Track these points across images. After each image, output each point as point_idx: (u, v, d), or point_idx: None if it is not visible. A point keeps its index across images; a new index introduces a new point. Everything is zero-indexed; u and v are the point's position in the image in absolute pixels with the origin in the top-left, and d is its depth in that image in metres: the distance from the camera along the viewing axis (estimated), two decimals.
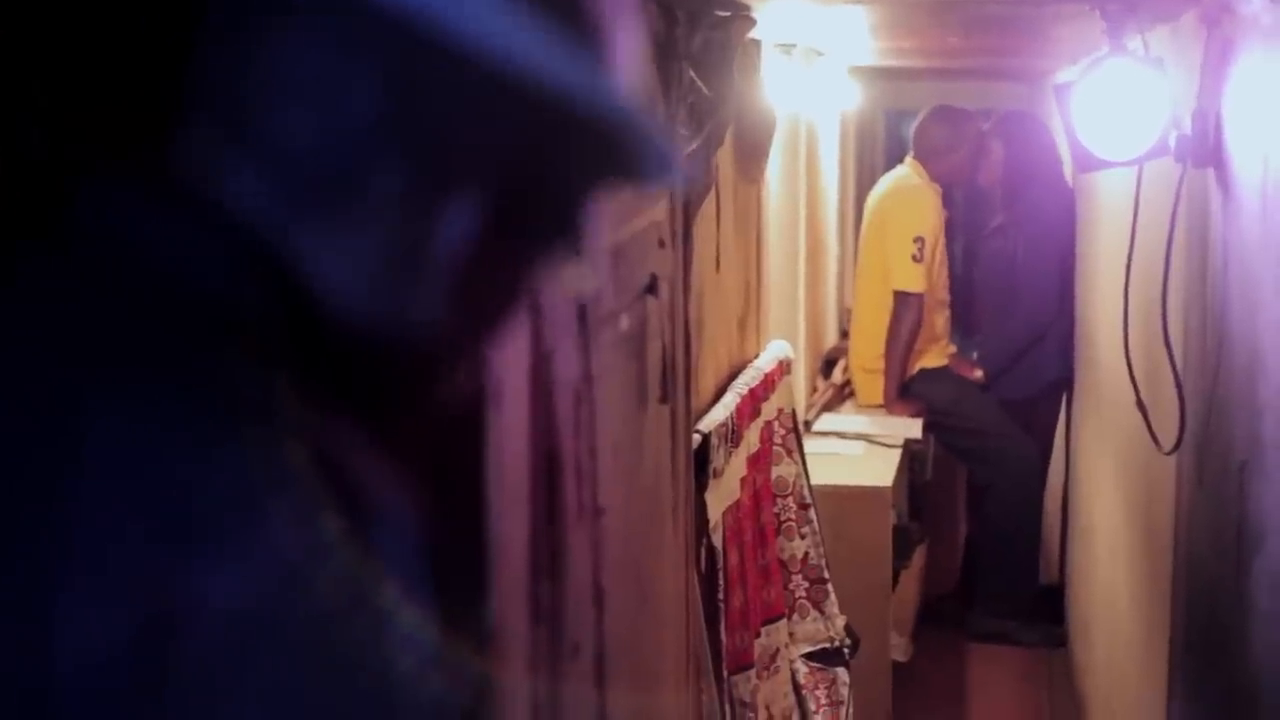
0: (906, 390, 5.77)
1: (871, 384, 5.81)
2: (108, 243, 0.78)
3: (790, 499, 4.00)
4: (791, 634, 3.92)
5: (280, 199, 0.79)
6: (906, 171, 5.95)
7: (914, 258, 5.70)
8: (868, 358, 5.84)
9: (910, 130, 6.08)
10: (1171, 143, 2.94)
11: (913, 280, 5.69)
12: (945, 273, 5.98)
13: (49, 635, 0.67)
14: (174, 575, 0.68)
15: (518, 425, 2.14)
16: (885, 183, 6.09)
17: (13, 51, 0.83)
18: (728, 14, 2.65)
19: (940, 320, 5.94)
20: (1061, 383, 6.03)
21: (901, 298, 5.69)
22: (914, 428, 5.50)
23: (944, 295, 5.99)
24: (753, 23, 2.98)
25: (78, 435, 0.70)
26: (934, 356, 5.89)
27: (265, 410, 0.75)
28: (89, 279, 0.77)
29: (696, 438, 3.24)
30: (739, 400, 3.48)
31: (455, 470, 1.90)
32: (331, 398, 0.79)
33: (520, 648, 2.08)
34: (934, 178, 5.86)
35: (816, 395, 5.96)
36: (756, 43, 3.41)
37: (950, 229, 6.24)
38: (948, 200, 6.08)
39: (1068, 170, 5.83)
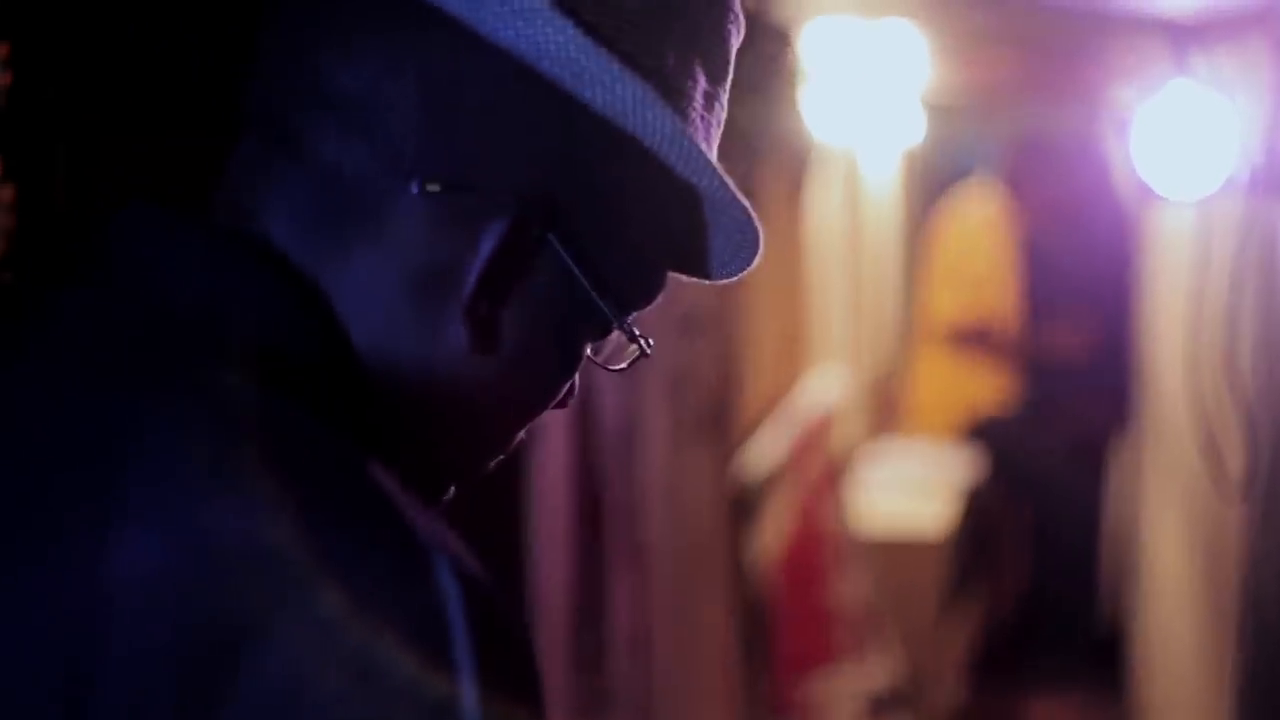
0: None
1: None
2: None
3: (840, 541, 3.93)
4: (845, 680, 3.86)
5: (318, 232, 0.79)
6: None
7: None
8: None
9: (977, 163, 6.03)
10: (1240, 174, 2.86)
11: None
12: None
13: None
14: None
15: (559, 466, 2.08)
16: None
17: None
18: (765, 35, 2.59)
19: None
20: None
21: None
22: (970, 464, 5.43)
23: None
24: (790, 44, 2.93)
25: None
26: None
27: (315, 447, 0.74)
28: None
29: (743, 476, 3.16)
30: (788, 438, 3.41)
31: (494, 513, 1.84)
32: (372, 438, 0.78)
33: (559, 698, 2.02)
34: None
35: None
36: (798, 66, 3.35)
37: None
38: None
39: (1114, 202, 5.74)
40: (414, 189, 0.78)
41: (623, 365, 0.88)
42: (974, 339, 5.66)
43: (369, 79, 0.77)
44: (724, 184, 0.81)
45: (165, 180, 0.89)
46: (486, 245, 0.78)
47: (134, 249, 0.79)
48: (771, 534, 3.31)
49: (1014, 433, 5.78)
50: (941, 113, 6.14)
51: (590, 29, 0.78)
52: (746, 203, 0.83)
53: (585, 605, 2.21)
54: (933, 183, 7.07)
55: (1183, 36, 2.86)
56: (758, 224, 0.84)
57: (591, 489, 2.21)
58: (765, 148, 2.72)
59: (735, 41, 0.86)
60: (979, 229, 5.79)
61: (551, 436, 1.99)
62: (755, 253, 0.86)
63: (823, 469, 3.90)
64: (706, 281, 0.89)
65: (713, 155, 0.83)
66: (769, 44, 2.58)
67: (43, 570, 0.70)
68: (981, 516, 5.63)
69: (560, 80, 0.78)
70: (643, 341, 0.85)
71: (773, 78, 2.69)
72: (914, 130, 5.84)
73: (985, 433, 5.74)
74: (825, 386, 4.12)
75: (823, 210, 4.52)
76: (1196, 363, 3.27)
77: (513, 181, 0.79)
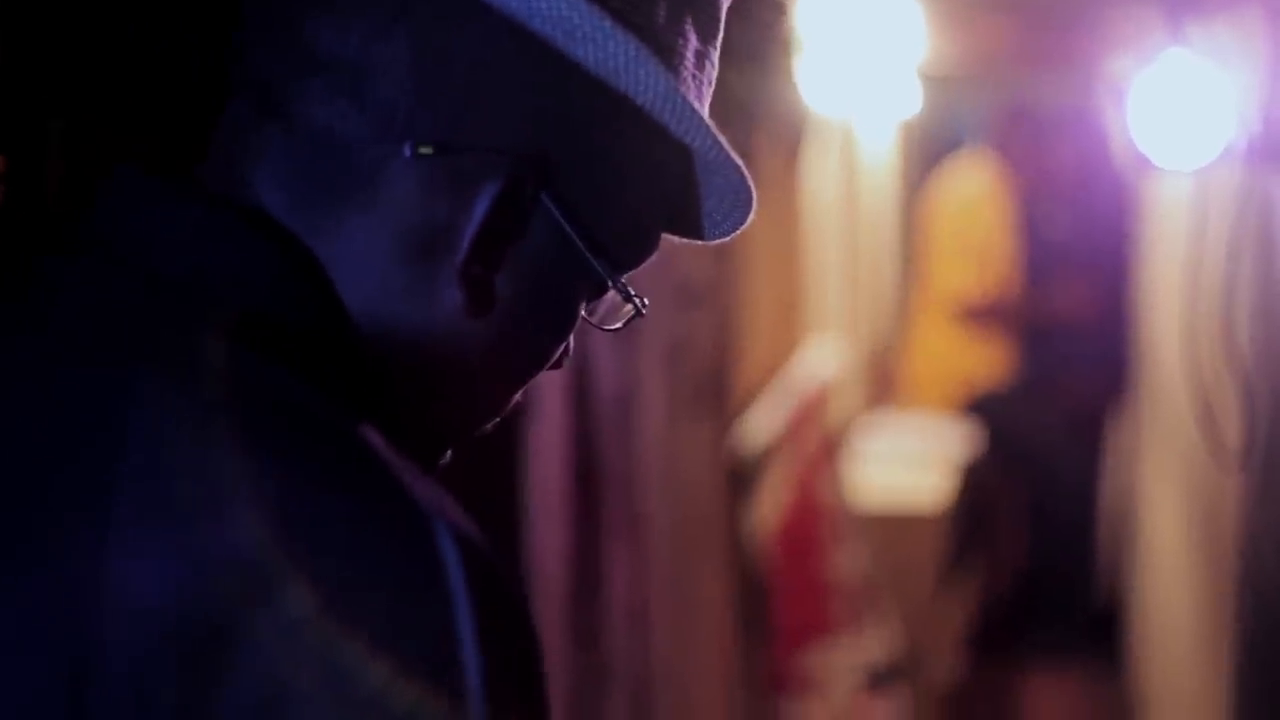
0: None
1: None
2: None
3: (837, 514, 3.92)
4: (842, 653, 3.86)
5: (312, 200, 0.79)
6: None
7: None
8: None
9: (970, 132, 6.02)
10: (1237, 143, 2.85)
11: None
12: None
13: None
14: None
15: (555, 437, 2.08)
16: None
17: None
18: (761, 4, 2.58)
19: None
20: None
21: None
22: (967, 437, 5.43)
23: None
24: (786, 13, 2.91)
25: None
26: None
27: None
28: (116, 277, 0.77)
29: (740, 449, 3.16)
30: (784, 410, 3.40)
31: (489, 484, 1.84)
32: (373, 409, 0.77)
33: (557, 672, 2.02)
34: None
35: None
36: (794, 35, 3.34)
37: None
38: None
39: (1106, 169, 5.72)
40: (406, 152, 0.77)
41: (618, 325, 0.88)
42: (974, 311, 5.65)
43: (358, 42, 0.77)
44: (717, 143, 0.81)
45: (156, 153, 0.88)
46: (480, 207, 0.78)
47: (126, 217, 0.78)
48: (769, 507, 3.31)
49: (1011, 406, 5.77)
50: (938, 83, 6.12)
51: None
52: (739, 162, 0.82)
53: (582, 578, 2.21)
54: (929, 153, 7.05)
55: (1179, 5, 2.85)
56: (750, 183, 0.84)
57: (588, 462, 2.20)
58: (761, 117, 2.71)
59: (726, 0, 0.85)
60: (975, 199, 5.78)
61: (547, 408, 1.98)
62: (748, 212, 0.85)
63: (820, 442, 3.89)
64: (699, 243, 0.89)
65: (704, 114, 0.82)
66: (765, 13, 2.57)
67: (42, 566, 0.69)
68: (979, 490, 5.63)
69: (552, 39, 0.77)
70: (637, 301, 0.85)
71: (769, 47, 2.68)
72: (911, 100, 5.82)
73: (983, 406, 5.73)
74: (822, 359, 4.12)
75: (819, 181, 4.51)
76: (1194, 333, 3.27)
77: (505, 142, 0.78)
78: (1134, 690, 5.32)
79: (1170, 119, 2.93)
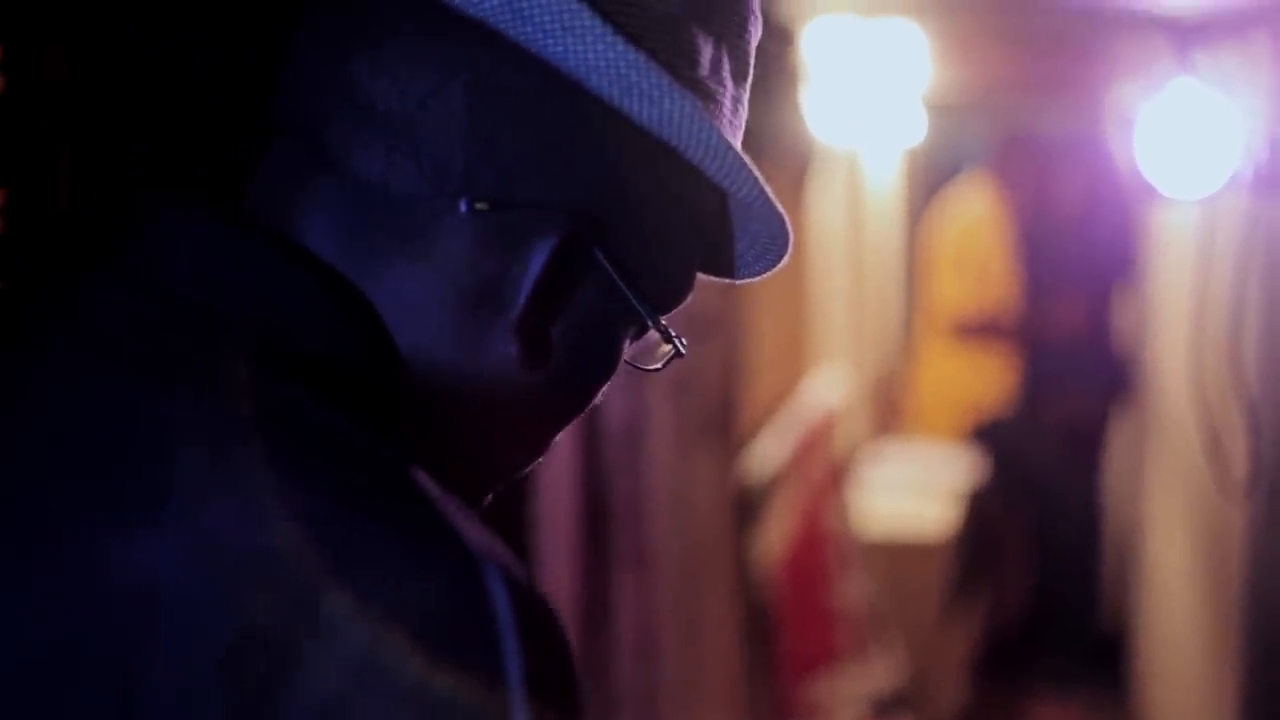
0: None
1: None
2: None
3: (843, 542, 3.92)
4: (848, 681, 3.85)
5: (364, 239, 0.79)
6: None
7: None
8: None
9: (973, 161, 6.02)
10: (1243, 172, 2.85)
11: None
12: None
13: None
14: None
15: (564, 467, 2.08)
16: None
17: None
18: (767, 34, 2.58)
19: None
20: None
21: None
22: (971, 465, 5.42)
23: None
24: (792, 43, 2.92)
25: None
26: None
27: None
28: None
29: (746, 478, 3.16)
30: (791, 439, 3.40)
31: (499, 514, 1.83)
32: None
33: None
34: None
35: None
36: (799, 65, 3.34)
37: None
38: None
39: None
40: (462, 208, 0.77)
41: (658, 366, 0.88)
42: (978, 334, 5.65)
43: (415, 97, 0.76)
44: (764, 193, 0.81)
45: (159, 182, 0.87)
46: (536, 262, 0.78)
47: (179, 248, 0.78)
48: (775, 535, 3.31)
49: (1016, 434, 5.76)
50: (943, 112, 6.13)
51: (635, 41, 0.77)
52: (782, 210, 0.83)
53: (591, 607, 2.20)
54: (934, 182, 7.05)
55: (1186, 34, 2.86)
56: (789, 228, 0.84)
57: (596, 492, 2.20)
58: (767, 147, 2.72)
59: (755, 41, 0.86)
60: (979, 226, 5.78)
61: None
62: (784, 255, 0.86)
63: (826, 470, 3.89)
64: (726, 281, 0.89)
65: (750, 163, 0.83)
66: (771, 43, 2.58)
67: (88, 584, 0.69)
68: (984, 518, 5.62)
69: (608, 95, 0.77)
70: (679, 342, 0.85)
71: (775, 77, 2.68)
72: (915, 130, 5.84)
73: (987, 434, 5.73)
74: (828, 387, 4.12)
75: (824, 210, 4.52)
76: (1200, 361, 3.27)
77: (559, 197, 0.78)
78: (1139, 716, 5.30)
79: (1177, 147, 2.94)
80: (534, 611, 0.70)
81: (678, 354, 0.86)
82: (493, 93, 0.77)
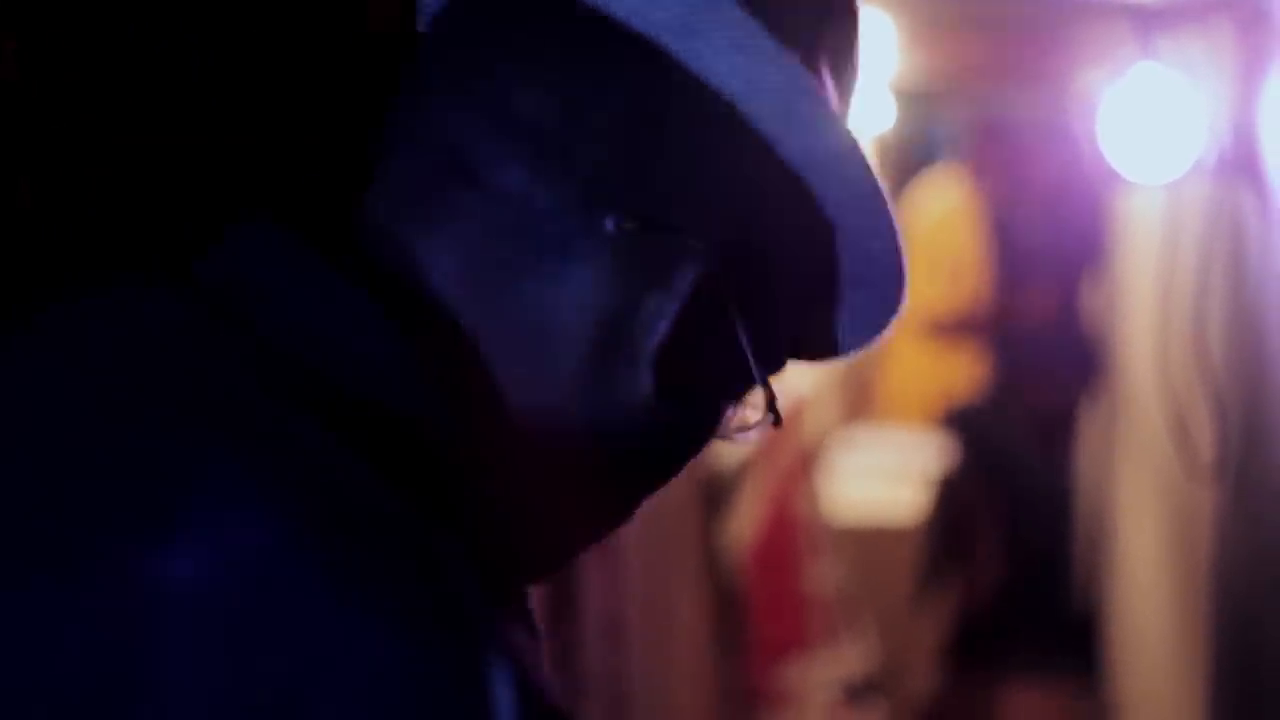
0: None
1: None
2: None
3: (813, 528, 3.92)
4: (819, 667, 3.85)
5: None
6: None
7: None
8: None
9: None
10: (1208, 157, 2.86)
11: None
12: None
13: None
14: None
15: None
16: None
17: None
18: None
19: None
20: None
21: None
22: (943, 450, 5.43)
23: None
24: None
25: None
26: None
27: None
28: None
29: (715, 463, 3.16)
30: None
31: None
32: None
33: None
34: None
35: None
36: None
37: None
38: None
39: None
40: (609, 225, 0.72)
41: (751, 435, 0.81)
42: (949, 324, 5.67)
43: (569, 109, 0.72)
44: (898, 247, 0.76)
45: (137, 185, 0.86)
46: (681, 290, 0.72)
47: (248, 268, 0.73)
48: (745, 521, 3.31)
49: (986, 419, 5.78)
50: (910, 99, 6.14)
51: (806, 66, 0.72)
52: (904, 265, 0.77)
53: (557, 595, 2.20)
54: (902, 169, 7.07)
55: (1148, 20, 2.86)
56: (905, 289, 0.78)
57: None
58: None
59: (857, 75, 0.80)
60: (949, 214, 5.80)
61: None
62: (889, 319, 0.80)
63: (795, 456, 3.89)
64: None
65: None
66: None
67: (97, 583, 0.65)
68: (955, 503, 5.64)
69: (769, 122, 0.72)
70: (780, 409, 0.79)
71: None
72: (883, 116, 5.84)
73: (958, 420, 5.74)
74: (797, 373, 4.12)
75: None
76: (1166, 346, 3.28)
77: (706, 228, 0.73)
78: (1111, 701, 5.32)
79: (1141, 133, 2.94)
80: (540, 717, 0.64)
81: (776, 422, 0.79)
82: (652, 109, 0.72)
